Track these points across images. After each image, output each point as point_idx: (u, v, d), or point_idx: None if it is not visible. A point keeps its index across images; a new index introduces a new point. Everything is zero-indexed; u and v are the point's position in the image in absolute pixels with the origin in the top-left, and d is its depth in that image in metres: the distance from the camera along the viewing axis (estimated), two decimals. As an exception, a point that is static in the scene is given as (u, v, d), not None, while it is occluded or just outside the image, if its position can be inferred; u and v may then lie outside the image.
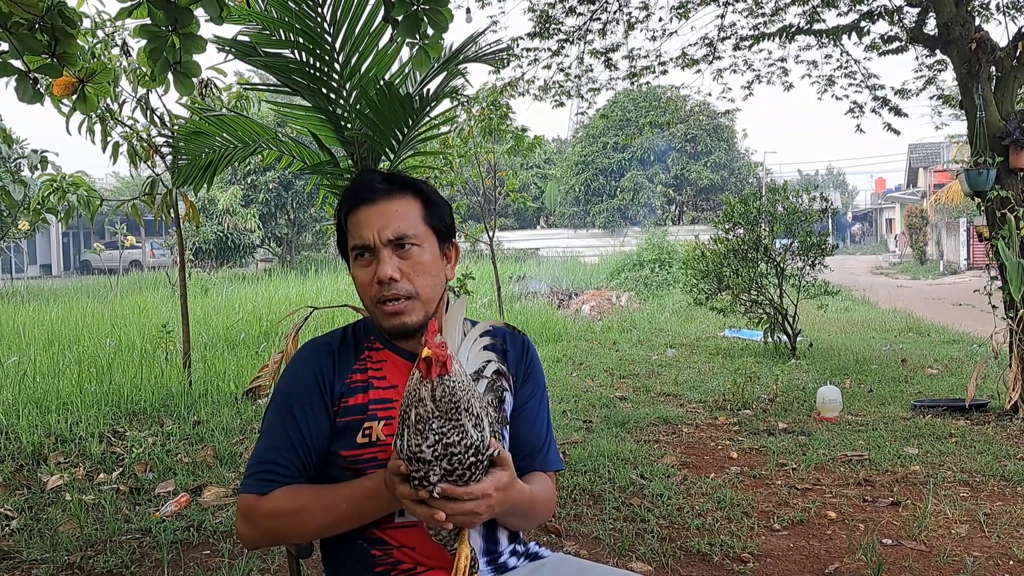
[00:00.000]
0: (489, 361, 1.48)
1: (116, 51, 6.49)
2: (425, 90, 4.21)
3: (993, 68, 6.02)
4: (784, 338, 9.46)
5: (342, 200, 1.69)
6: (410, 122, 4.17)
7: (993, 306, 6.01)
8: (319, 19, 3.83)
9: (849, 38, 7.43)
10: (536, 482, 1.64)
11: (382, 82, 3.87)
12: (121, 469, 5.03)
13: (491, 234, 10.34)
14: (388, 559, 1.59)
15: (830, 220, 10.19)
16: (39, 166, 6.97)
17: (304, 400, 1.61)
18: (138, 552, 3.80)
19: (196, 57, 3.93)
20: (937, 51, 6.87)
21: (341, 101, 4.23)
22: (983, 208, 6.06)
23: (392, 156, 4.43)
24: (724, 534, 3.82)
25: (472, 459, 1.30)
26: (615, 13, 8.76)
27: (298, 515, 1.54)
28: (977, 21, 6.24)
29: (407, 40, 3.45)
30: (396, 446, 1.33)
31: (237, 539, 1.91)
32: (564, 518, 4.06)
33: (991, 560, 3.48)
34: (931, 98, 8.84)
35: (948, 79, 8.93)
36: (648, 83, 9.50)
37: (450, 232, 1.70)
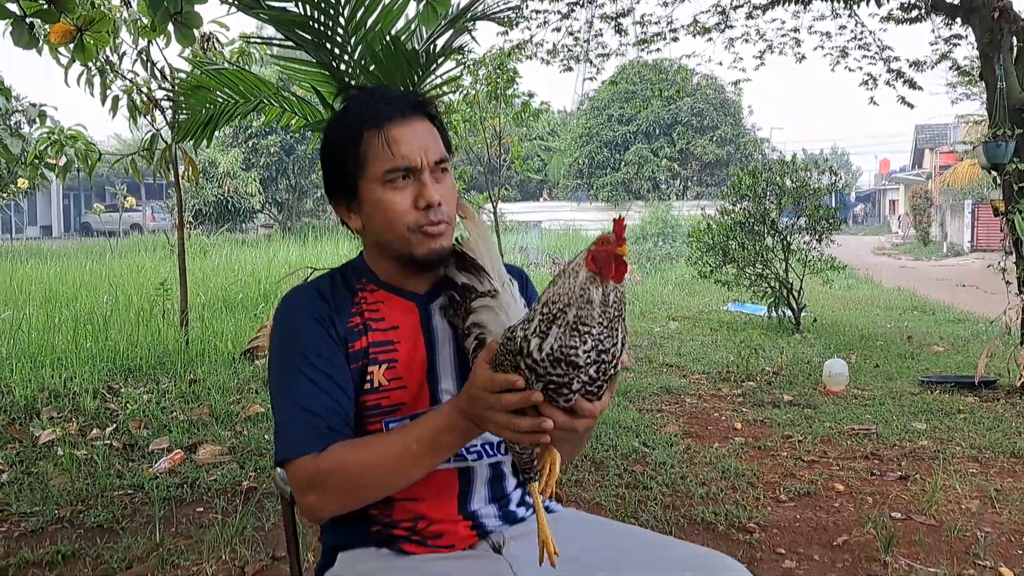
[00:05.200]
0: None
1: (116, 1, 6.34)
2: (431, 47, 4.09)
3: (1015, 39, 5.88)
4: (788, 313, 9.36)
5: (360, 116, 1.47)
6: (415, 79, 4.05)
7: (1007, 282, 5.91)
8: (324, -34, 3.71)
9: (868, 5, 7.27)
10: None
11: (387, 37, 3.75)
12: (115, 425, 4.96)
13: (494, 203, 10.21)
14: (387, 517, 1.48)
15: (834, 197, 10.05)
16: (37, 120, 6.85)
17: (315, 343, 1.44)
18: (130, 507, 3.73)
19: (198, 9, 3.81)
20: (957, 21, 6.72)
21: (345, 56, 4.11)
22: (1000, 181, 5.94)
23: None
24: (729, 504, 3.74)
25: (613, 371, 1.21)
26: (627, -24, 8.59)
27: (370, 465, 1.35)
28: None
29: (414, -7, 3.34)
30: (523, 347, 1.19)
31: (304, 518, 1.68)
32: (566, 484, 3.99)
33: (1003, 536, 3.41)
34: (949, 68, 8.67)
35: (963, 55, 8.79)
36: (658, 50, 9.34)
37: (450, 152, 1.57)
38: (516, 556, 1.50)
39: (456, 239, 1.48)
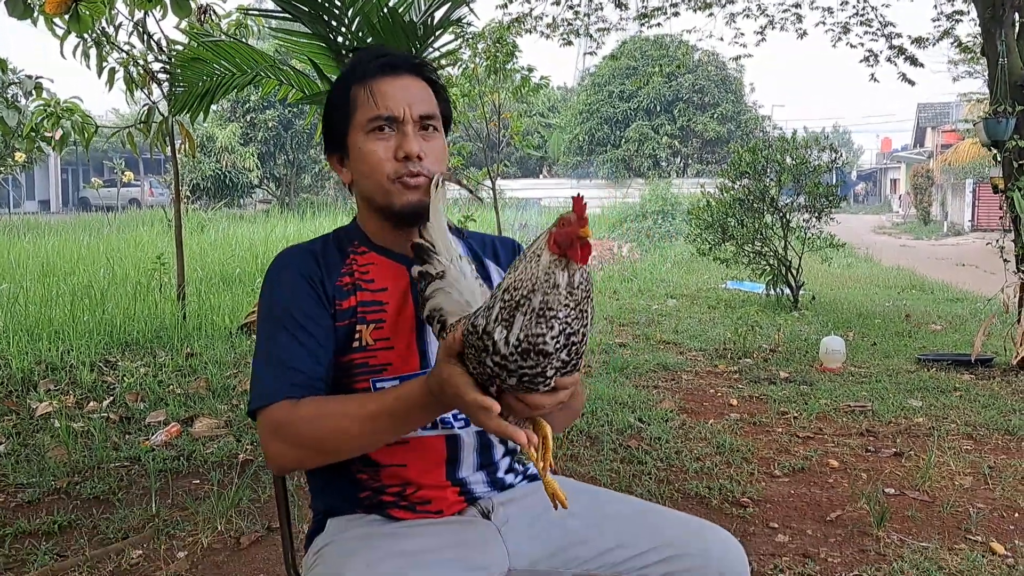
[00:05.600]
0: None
1: (112, -29, 6.29)
2: (429, 19, 4.07)
3: (1017, 14, 5.85)
4: (787, 291, 9.36)
5: (353, 69, 1.54)
6: (413, 51, 4.04)
7: (1005, 260, 5.91)
8: (321, -66, 3.68)
9: (870, -20, 7.22)
10: None
11: (385, 9, 3.73)
12: (112, 398, 4.97)
13: (494, 180, 10.17)
14: (375, 483, 1.49)
15: (834, 175, 10.03)
16: (33, 92, 6.82)
17: (301, 303, 1.46)
18: (126, 479, 3.74)
19: (195, -21, 3.77)
20: (960, -4, 6.68)
21: (343, 28, 4.09)
22: (1000, 158, 5.93)
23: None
24: (723, 478, 3.76)
25: (584, 348, 1.19)
26: (628, -50, 8.52)
27: (339, 425, 1.35)
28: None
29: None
30: (487, 344, 1.15)
31: (264, 464, 1.68)
32: (561, 458, 4.00)
33: (995, 512, 3.42)
34: (951, 44, 8.63)
35: (964, 32, 8.74)
36: (659, 24, 9.28)
37: (449, 124, 1.61)
38: (505, 520, 1.51)
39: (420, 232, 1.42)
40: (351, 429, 1.34)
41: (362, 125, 1.51)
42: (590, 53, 10.15)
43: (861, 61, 8.78)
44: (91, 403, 4.88)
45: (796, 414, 4.86)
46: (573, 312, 1.14)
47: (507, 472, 1.60)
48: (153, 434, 4.31)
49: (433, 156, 1.50)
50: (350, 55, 4.21)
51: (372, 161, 1.50)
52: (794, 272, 9.32)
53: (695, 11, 9.12)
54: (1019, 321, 5.87)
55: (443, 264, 1.35)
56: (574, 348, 1.16)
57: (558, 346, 1.14)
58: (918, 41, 8.57)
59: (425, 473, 1.49)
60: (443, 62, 5.72)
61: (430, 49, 4.28)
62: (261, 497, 3.52)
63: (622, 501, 1.60)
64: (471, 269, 1.38)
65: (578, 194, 1.23)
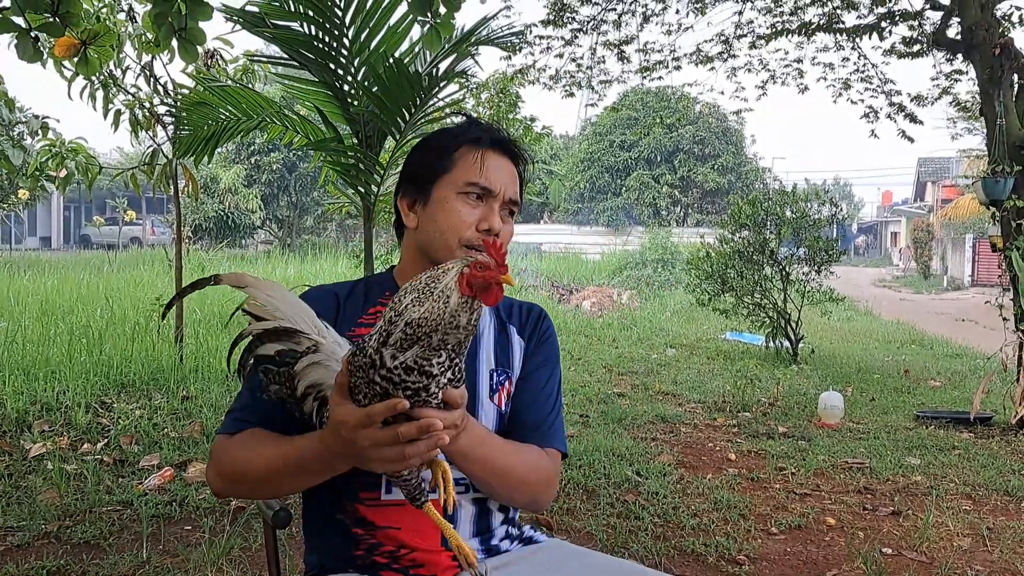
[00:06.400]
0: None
1: (122, 16, 6.39)
2: (434, 70, 4.13)
3: (1016, 76, 5.93)
4: (786, 343, 9.37)
5: (468, 130, 1.59)
6: (418, 101, 4.09)
7: (1004, 318, 5.92)
8: (329, -12, 3.75)
9: (869, 38, 7.36)
10: (525, 449, 1.54)
11: (391, 59, 3.78)
12: (106, 440, 4.94)
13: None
14: (370, 540, 1.50)
15: (835, 227, 10.09)
16: (39, 132, 6.89)
17: None
18: (118, 524, 3.71)
19: (203, 26, 3.84)
20: (958, 57, 6.77)
21: (348, 77, 4.15)
22: (998, 218, 5.97)
23: (398, 136, 4.36)
24: (720, 535, 3.73)
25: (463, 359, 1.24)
26: (631, 5, 8.67)
27: (255, 459, 1.42)
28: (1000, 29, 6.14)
29: (418, 18, 3.37)
30: (374, 357, 1.18)
31: (256, 511, 1.72)
32: (556, 512, 3.97)
33: (994, 574, 3.39)
34: (950, 104, 8.73)
35: (964, 90, 8.85)
36: (660, 78, 9.40)
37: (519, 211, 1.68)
38: None
39: (244, 310, 1.41)
40: (263, 469, 1.41)
41: (458, 184, 1.55)
42: (592, 104, 10.27)
43: (862, 117, 8.88)
44: (85, 445, 4.85)
45: (794, 470, 4.83)
46: (464, 340, 1.19)
47: (503, 539, 1.60)
48: (146, 478, 4.28)
49: (503, 238, 1.55)
50: (356, 103, 4.27)
51: (454, 220, 1.53)
52: (793, 325, 9.34)
53: (696, 65, 9.24)
54: (1018, 380, 5.87)
55: (312, 338, 1.35)
56: (457, 368, 1.21)
57: (442, 368, 1.18)
58: (917, 99, 8.68)
59: (419, 536, 1.49)
60: (447, 111, 5.79)
61: (435, 99, 4.34)
62: (252, 546, 3.49)
63: (615, 567, 1.59)
64: (342, 340, 1.38)
65: (493, 238, 1.29)
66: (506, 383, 1.60)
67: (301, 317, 1.37)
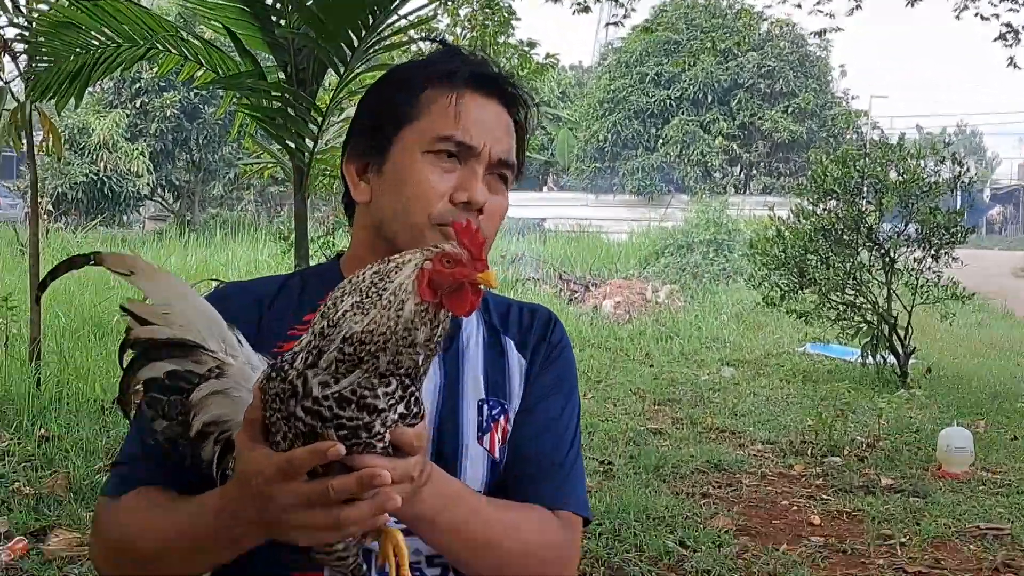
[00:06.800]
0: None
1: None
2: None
3: None
4: (891, 359, 9.37)
5: (435, 63, 1.58)
6: (370, 21, 4.08)
7: None
8: None
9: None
10: (524, 513, 1.52)
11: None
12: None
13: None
14: None
15: (959, 195, 10.11)
16: None
17: None
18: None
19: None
20: None
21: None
22: None
23: (342, 69, 4.34)
24: (800, 632, 3.74)
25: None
26: None
27: (144, 531, 1.41)
28: None
29: None
30: (297, 382, 1.16)
31: None
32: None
33: None
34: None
35: None
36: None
37: (517, 176, 1.65)
38: None
39: (124, 308, 1.39)
40: (153, 544, 1.41)
41: (425, 138, 1.52)
42: (615, 23, 10.23)
43: (996, 39, 8.87)
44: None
45: (904, 539, 4.84)
46: (422, 363, 1.18)
47: None
48: (-11, 554, 4.27)
49: (490, 214, 1.52)
50: (284, 22, 4.25)
51: (420, 190, 1.51)
52: (901, 332, 9.34)
53: (764, -34, 9.24)
54: None
55: (217, 357, 1.33)
56: (413, 399, 1.18)
57: (391, 402, 1.16)
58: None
59: None
60: (413, 34, 5.78)
61: (395, 16, 4.33)
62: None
63: None
64: (261, 361, 1.35)
65: (474, 216, 1.27)
66: (501, 419, 1.58)
67: (205, 326, 1.35)
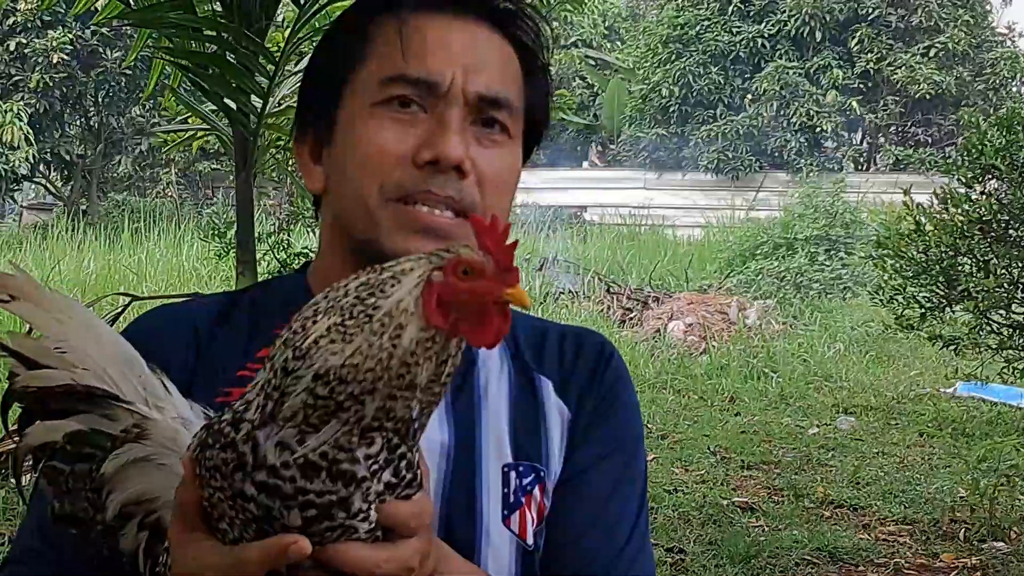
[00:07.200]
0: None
1: None
2: None
3: None
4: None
5: None
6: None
7: None
8: None
9: None
10: None
11: None
12: None
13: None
14: None
15: None
16: None
17: None
18: None
19: None
20: None
21: None
22: None
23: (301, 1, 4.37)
24: None
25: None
26: None
27: None
28: None
29: None
30: (242, 447, 1.15)
31: None
32: None
33: None
34: None
35: None
36: None
37: (538, 133, 1.66)
38: None
39: (2, 347, 1.36)
40: None
41: (370, 87, 1.51)
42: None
43: None
44: None
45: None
46: (423, 413, 1.18)
47: None
48: None
49: (490, 176, 1.51)
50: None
51: (369, 153, 1.49)
52: (1091, 367, 9.33)
53: None
54: None
55: (136, 410, 1.32)
56: (406, 462, 1.18)
57: (374, 467, 1.15)
58: None
59: None
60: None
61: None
62: None
63: None
64: (196, 414, 1.35)
65: (492, 216, 1.22)
66: (535, 490, 1.59)
67: (117, 367, 1.35)
